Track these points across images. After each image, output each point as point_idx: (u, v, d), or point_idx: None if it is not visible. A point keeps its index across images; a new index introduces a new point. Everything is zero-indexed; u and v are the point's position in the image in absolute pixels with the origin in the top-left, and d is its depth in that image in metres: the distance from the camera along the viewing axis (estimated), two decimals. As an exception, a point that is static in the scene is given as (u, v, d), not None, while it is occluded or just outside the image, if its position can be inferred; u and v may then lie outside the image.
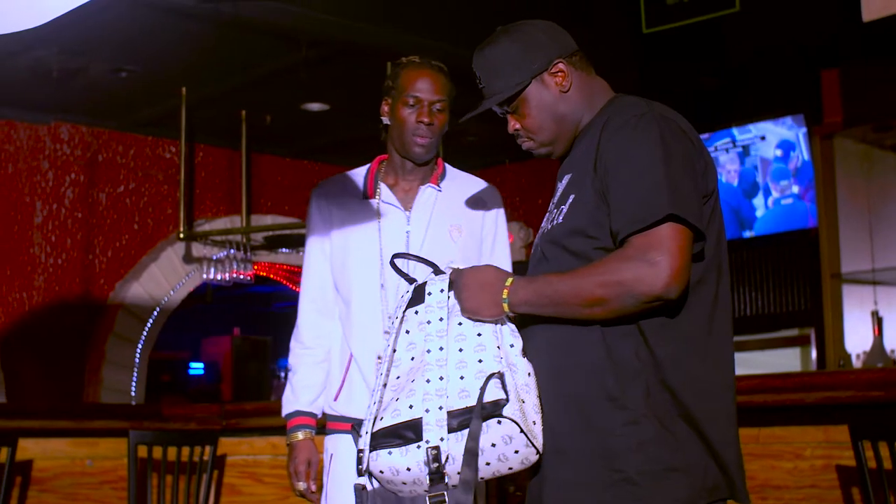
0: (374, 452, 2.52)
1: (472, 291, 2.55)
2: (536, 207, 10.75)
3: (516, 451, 2.45)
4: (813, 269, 9.22)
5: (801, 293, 9.49)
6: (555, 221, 2.60)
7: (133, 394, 9.73)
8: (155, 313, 9.97)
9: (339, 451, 3.57)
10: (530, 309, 2.52)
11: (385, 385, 2.60)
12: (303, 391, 3.67)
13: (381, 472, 2.51)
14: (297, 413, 3.67)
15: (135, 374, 9.78)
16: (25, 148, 9.25)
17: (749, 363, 9.37)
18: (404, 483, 2.51)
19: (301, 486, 3.63)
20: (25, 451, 5.66)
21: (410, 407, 2.50)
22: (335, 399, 3.62)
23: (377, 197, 3.64)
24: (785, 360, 9.88)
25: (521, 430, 2.42)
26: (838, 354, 8.82)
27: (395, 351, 2.63)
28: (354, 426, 3.33)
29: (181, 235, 9.56)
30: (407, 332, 2.64)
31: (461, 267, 2.65)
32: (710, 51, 8.15)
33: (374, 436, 2.52)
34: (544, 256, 2.62)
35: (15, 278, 9.10)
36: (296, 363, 3.71)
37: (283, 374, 15.49)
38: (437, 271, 2.70)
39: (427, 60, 3.59)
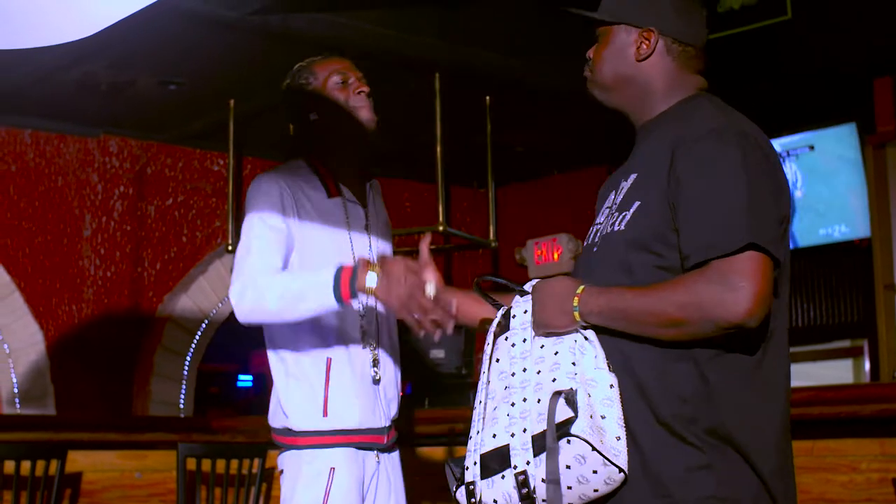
0: (462, 487, 2.48)
1: (543, 303, 2.47)
2: (585, 218, 10.64)
3: (595, 472, 2.31)
4: (865, 280, 9.12)
5: (853, 304, 9.39)
6: (615, 226, 2.51)
7: (181, 406, 9.75)
8: (203, 325, 9.98)
9: (340, 465, 3.46)
10: (601, 320, 2.41)
11: (483, 418, 2.50)
12: (311, 269, 3.32)
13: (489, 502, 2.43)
14: (337, 268, 3.23)
15: (183, 387, 9.79)
16: (75, 161, 9.30)
17: (800, 375, 9.25)
18: None
19: (430, 288, 3.03)
20: (75, 463, 5.68)
21: (494, 436, 2.44)
22: (325, 415, 3.47)
23: (341, 194, 3.64)
24: (837, 372, 9.77)
25: (594, 448, 2.29)
26: (893, 366, 8.72)
27: (488, 382, 2.53)
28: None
29: (229, 248, 9.57)
30: (497, 360, 2.54)
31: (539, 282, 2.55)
32: (761, 59, 8.08)
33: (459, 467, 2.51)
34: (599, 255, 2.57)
35: (64, 291, 9.14)
36: (270, 282, 3.29)
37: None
38: (523, 293, 2.57)
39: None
